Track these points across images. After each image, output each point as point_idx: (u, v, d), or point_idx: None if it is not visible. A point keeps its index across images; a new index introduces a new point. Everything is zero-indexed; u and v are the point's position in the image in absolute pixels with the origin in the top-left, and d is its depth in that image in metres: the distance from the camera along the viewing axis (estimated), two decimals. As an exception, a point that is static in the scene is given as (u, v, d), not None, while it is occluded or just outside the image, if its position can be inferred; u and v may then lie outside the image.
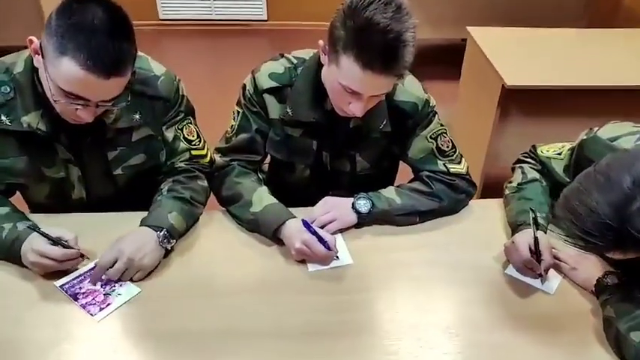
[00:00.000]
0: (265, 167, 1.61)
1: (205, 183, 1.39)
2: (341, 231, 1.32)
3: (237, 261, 1.25)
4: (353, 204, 1.33)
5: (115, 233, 1.22)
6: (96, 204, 1.37)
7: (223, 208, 1.40)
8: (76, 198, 1.35)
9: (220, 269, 1.23)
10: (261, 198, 1.32)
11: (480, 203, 1.46)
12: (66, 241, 1.15)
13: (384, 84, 1.17)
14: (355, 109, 1.20)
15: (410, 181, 1.44)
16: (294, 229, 1.24)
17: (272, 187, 1.39)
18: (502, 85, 2.14)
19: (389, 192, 1.37)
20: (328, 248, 1.21)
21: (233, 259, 1.25)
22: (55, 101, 1.11)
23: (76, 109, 1.11)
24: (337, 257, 1.24)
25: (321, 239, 1.21)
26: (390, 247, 1.30)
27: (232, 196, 1.35)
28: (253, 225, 1.30)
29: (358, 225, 1.34)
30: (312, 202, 1.42)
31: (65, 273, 1.17)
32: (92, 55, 1.02)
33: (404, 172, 1.55)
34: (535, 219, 1.21)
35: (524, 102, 2.23)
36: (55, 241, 1.14)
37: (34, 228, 1.17)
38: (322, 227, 1.29)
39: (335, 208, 1.33)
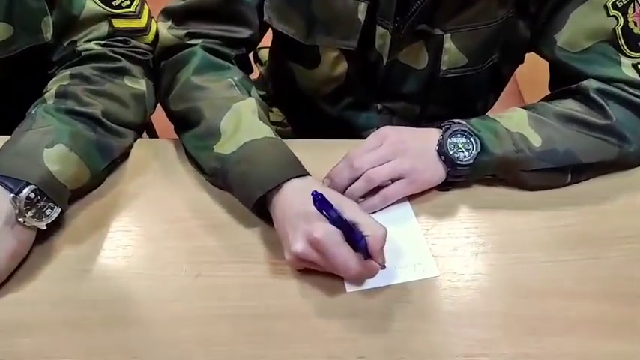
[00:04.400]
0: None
1: (142, 85, 0.70)
2: (409, 198, 0.65)
3: (195, 259, 0.59)
4: (440, 144, 0.63)
5: None
6: None
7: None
8: None
9: (154, 282, 0.57)
10: (240, 123, 0.62)
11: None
12: None
13: None
14: None
15: (547, 98, 0.72)
16: (296, 206, 0.55)
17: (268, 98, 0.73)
18: None
19: (515, 120, 0.66)
20: (365, 252, 0.53)
21: (186, 255, 0.59)
22: None
23: None
24: (384, 266, 0.55)
25: (351, 230, 0.53)
26: (514, 240, 0.63)
27: (186, 112, 0.66)
28: (220, 179, 0.63)
29: (443, 185, 0.66)
30: (340, 128, 0.80)
31: None
32: None
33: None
34: None
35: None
36: None
37: None
38: (371, 194, 0.62)
39: (400, 152, 0.62)
